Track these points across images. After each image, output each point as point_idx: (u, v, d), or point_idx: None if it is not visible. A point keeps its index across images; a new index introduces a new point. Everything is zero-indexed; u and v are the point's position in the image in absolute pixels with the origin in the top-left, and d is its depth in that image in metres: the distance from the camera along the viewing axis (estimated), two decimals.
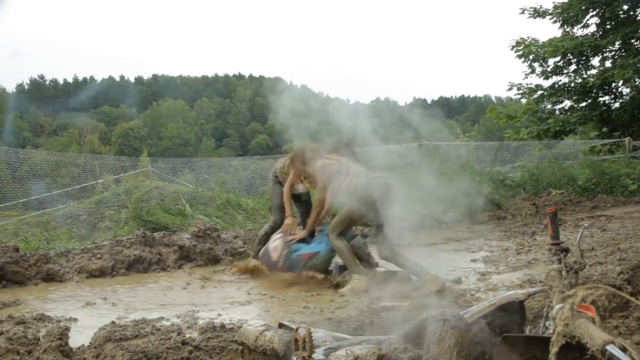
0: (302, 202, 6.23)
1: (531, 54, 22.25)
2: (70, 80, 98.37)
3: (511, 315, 2.69)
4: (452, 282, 5.27)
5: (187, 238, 6.77)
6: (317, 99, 5.43)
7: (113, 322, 3.91)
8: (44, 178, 12.72)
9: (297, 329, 2.40)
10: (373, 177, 5.29)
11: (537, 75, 22.78)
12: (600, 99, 22.33)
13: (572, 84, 22.32)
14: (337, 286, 5.23)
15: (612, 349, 1.93)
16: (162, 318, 4.15)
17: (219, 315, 4.30)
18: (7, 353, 3.08)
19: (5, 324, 3.83)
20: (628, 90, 21.58)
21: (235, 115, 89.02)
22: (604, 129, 21.77)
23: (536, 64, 22.56)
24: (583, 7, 20.90)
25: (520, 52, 22.39)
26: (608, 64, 21.77)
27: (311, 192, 6.21)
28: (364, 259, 5.57)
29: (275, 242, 5.69)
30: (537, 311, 3.28)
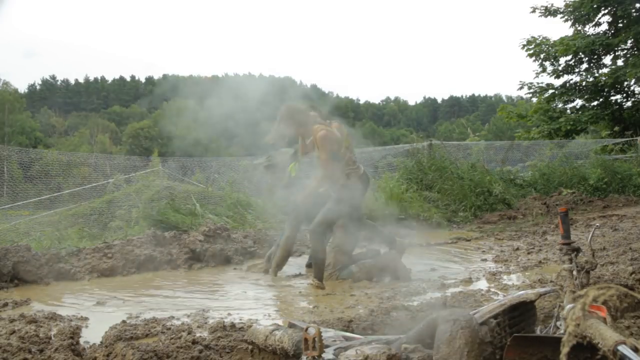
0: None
1: (542, 53, 22.17)
2: (81, 80, 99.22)
3: (522, 316, 2.67)
4: (462, 281, 5.26)
5: (198, 238, 6.78)
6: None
7: (124, 321, 3.93)
8: (55, 178, 12.80)
9: (306, 329, 2.40)
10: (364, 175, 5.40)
11: (548, 74, 22.71)
12: (612, 97, 22.21)
13: (584, 83, 22.22)
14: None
15: (624, 349, 1.92)
16: (173, 317, 4.16)
17: (229, 314, 4.31)
18: (19, 352, 3.10)
19: (17, 322, 3.85)
20: None
21: (245, 114, 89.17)
22: (616, 128, 21.67)
23: (547, 63, 22.48)
24: (595, 6, 20.78)
25: (532, 51, 22.31)
26: (620, 62, 21.67)
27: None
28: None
29: None
30: (548, 311, 3.26)
